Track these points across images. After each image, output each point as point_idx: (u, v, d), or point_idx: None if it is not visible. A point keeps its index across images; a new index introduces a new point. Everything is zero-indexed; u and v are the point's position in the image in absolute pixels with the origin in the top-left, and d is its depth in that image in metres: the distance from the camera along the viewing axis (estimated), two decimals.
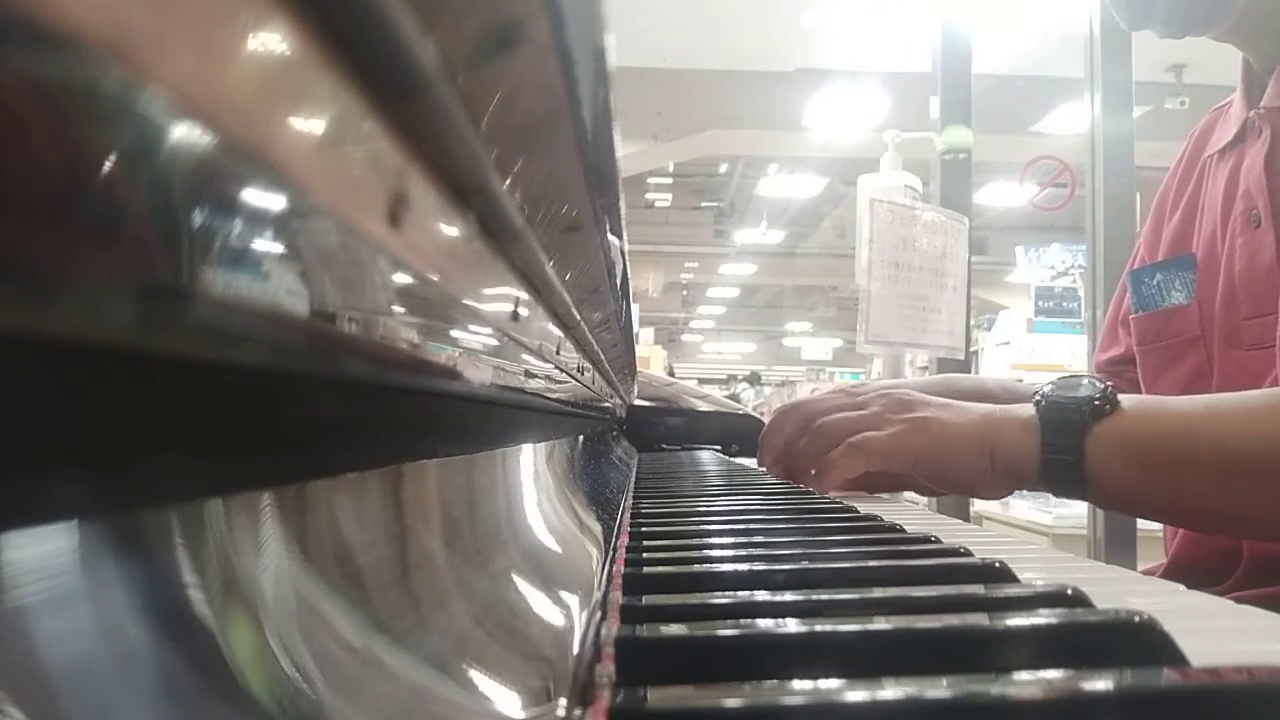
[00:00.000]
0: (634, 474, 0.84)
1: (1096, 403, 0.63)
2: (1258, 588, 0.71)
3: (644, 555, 0.37)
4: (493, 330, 0.25)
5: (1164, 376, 0.85)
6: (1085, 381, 0.66)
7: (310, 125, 0.12)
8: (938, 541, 0.40)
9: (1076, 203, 2.36)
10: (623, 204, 0.31)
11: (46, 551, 0.09)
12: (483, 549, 0.25)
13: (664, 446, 1.29)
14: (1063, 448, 0.64)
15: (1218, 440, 0.60)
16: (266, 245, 0.11)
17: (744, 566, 0.34)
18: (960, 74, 2.12)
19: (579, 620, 0.24)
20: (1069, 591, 0.27)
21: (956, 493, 0.80)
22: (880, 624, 0.24)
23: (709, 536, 0.44)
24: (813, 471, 0.75)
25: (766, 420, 0.92)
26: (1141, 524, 1.81)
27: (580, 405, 0.57)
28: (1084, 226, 1.96)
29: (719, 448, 1.27)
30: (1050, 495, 0.69)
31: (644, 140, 5.04)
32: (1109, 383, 0.65)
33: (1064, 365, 3.95)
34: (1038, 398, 0.67)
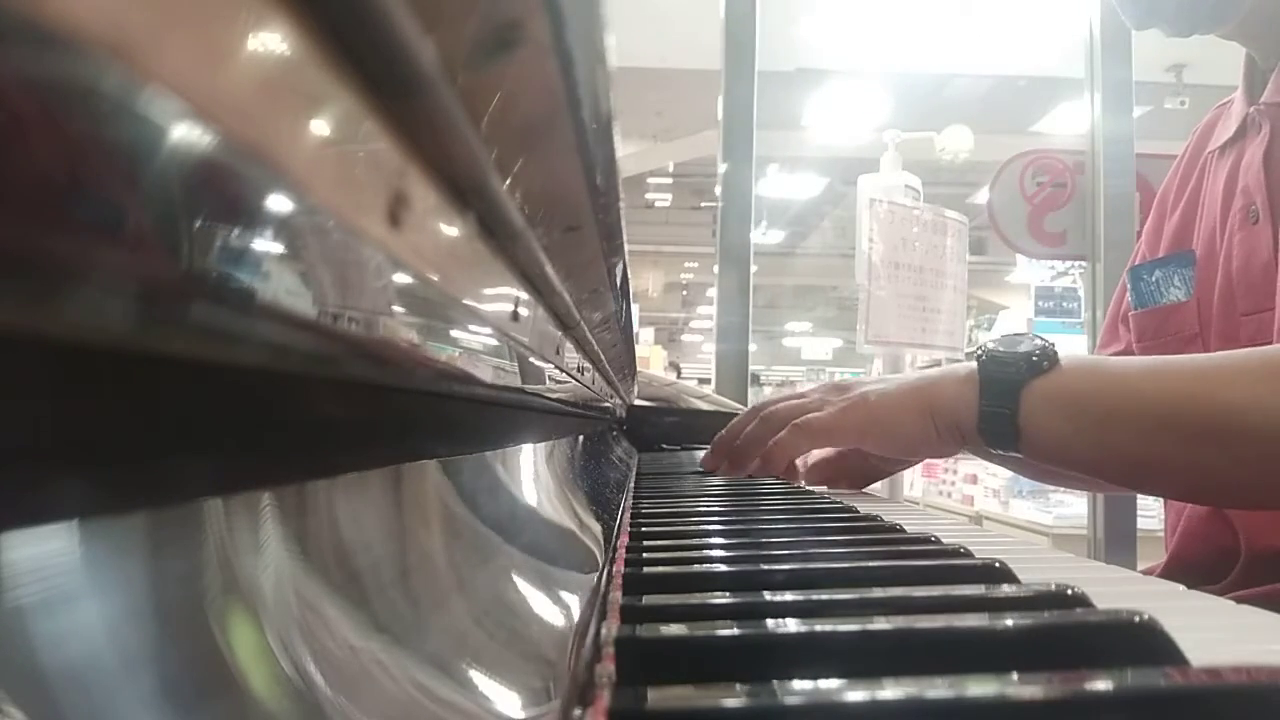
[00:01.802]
0: (634, 474, 0.83)
1: (1035, 358, 0.65)
2: (1256, 586, 0.71)
3: (644, 555, 0.37)
4: (493, 330, 0.25)
5: None
6: (1028, 338, 0.68)
7: (310, 125, 0.12)
8: (938, 541, 0.40)
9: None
10: (623, 204, 0.31)
11: (46, 551, 0.09)
12: (483, 549, 0.25)
13: (664, 446, 1.29)
14: (999, 400, 0.66)
15: (1147, 397, 0.61)
16: (266, 245, 0.11)
17: (744, 566, 0.34)
18: (745, 72, 1.80)
19: (579, 620, 0.24)
20: (1069, 591, 0.27)
21: (907, 457, 0.83)
22: (880, 624, 0.24)
23: (709, 536, 0.44)
24: (759, 459, 0.78)
25: None
26: (1141, 524, 1.82)
27: (580, 405, 0.57)
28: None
29: None
30: (986, 450, 0.70)
31: (644, 140, 5.03)
32: (1052, 342, 0.66)
33: None
34: (979, 353, 0.69)
